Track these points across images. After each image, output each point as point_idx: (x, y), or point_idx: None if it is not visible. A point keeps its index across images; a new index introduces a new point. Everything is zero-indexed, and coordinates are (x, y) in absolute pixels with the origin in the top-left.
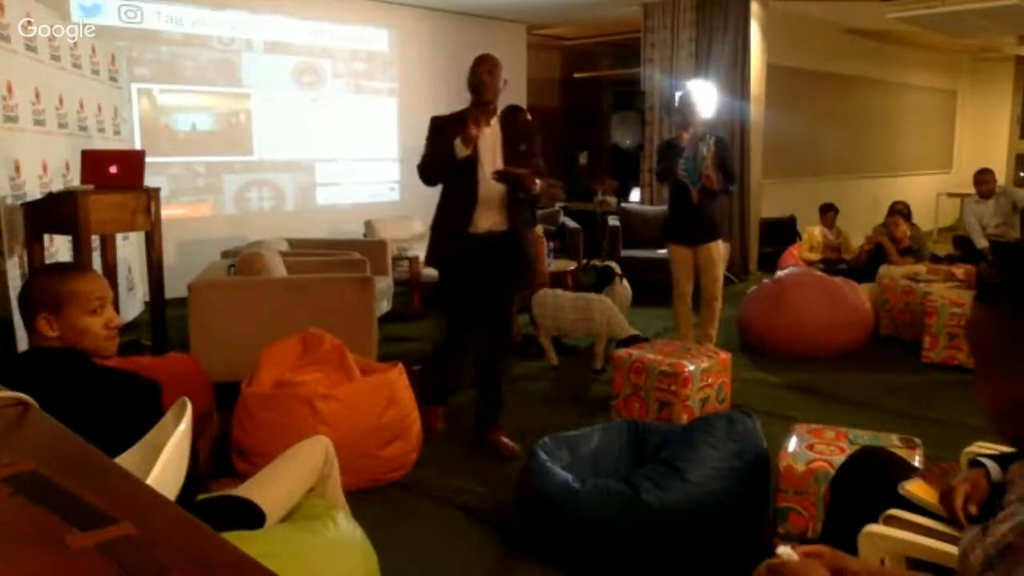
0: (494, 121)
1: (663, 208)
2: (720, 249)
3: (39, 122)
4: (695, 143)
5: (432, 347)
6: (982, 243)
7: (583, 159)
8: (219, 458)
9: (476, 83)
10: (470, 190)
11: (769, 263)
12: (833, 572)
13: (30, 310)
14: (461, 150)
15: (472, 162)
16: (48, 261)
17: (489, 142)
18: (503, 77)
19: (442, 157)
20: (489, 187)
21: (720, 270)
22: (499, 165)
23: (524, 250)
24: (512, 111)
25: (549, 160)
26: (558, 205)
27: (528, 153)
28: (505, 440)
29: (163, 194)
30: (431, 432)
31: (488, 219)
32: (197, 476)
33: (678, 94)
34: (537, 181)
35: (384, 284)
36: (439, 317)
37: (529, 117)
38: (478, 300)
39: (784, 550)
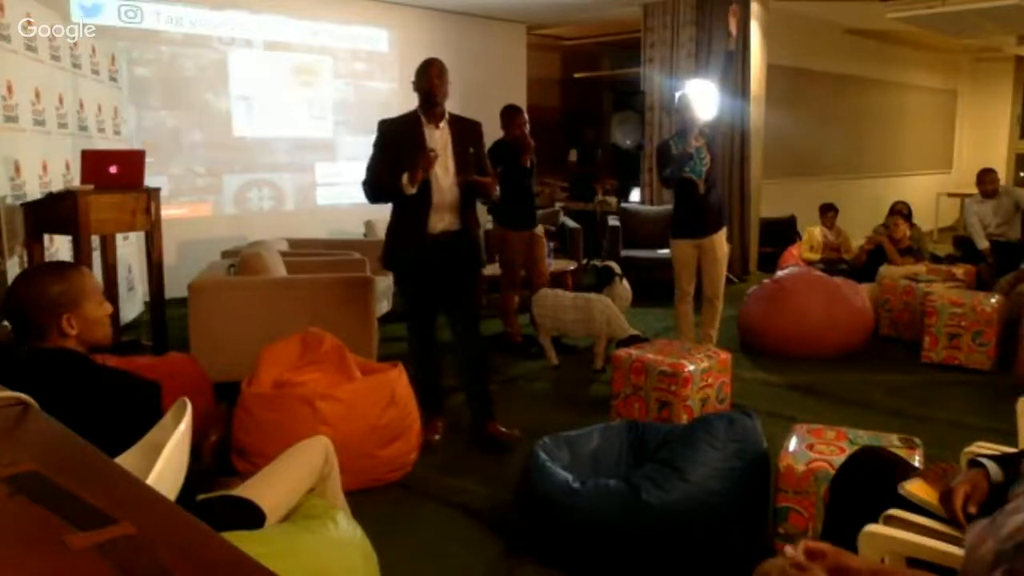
0: (443, 125)
1: (663, 208)
2: (724, 242)
3: (39, 122)
4: (693, 139)
5: (408, 358)
6: (983, 244)
7: (572, 156)
8: (220, 458)
9: (427, 88)
10: (424, 195)
11: (769, 263)
12: (836, 571)
13: (52, 313)
14: (408, 189)
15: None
16: (48, 261)
17: (440, 146)
18: (448, 80)
19: (387, 186)
20: (443, 191)
21: (722, 269)
22: (450, 168)
23: (476, 246)
24: (466, 121)
25: (547, 160)
26: (557, 205)
27: (477, 156)
28: (503, 428)
29: (163, 194)
30: (427, 443)
31: (442, 221)
32: (204, 472)
33: (677, 94)
34: (497, 188)
35: (384, 284)
36: (407, 323)
37: (479, 123)
38: (438, 299)
39: (789, 550)
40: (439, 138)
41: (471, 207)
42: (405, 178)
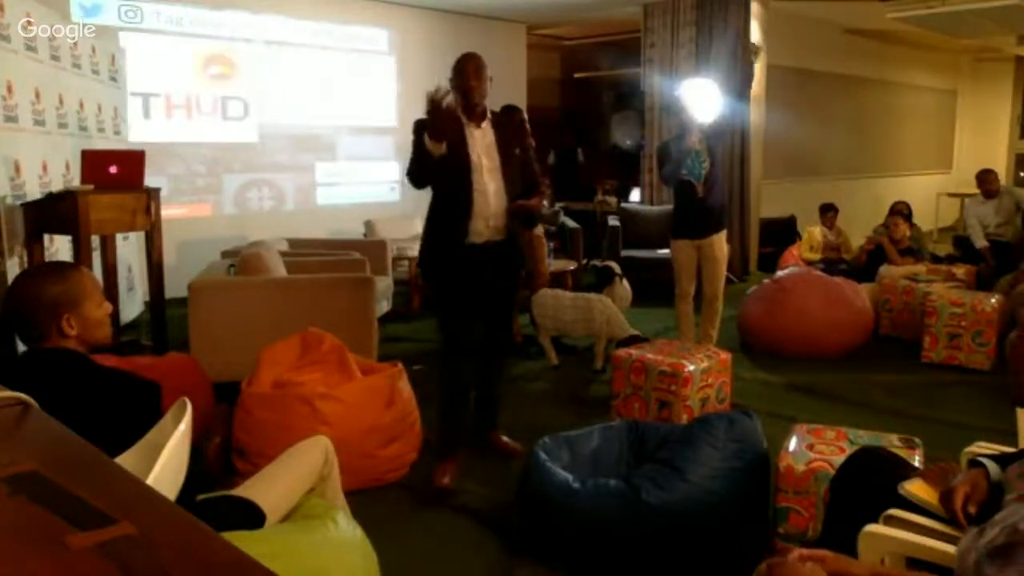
0: (486, 125)
1: (663, 208)
2: (724, 243)
3: (39, 122)
4: (693, 140)
5: (438, 383)
6: (982, 243)
7: (550, 159)
8: (221, 459)
9: (464, 87)
10: (463, 198)
11: (769, 263)
12: (836, 575)
13: (51, 313)
14: (435, 148)
15: (463, 167)
16: (48, 261)
17: (481, 146)
18: (489, 75)
19: (421, 156)
20: (487, 197)
21: (723, 269)
22: (496, 173)
23: (520, 254)
24: (507, 112)
25: (544, 161)
26: (557, 205)
27: (523, 156)
28: (506, 439)
29: (163, 194)
30: (439, 489)
31: (484, 229)
32: (208, 474)
33: (675, 94)
34: (544, 203)
35: (384, 284)
36: (444, 345)
37: (524, 117)
38: (478, 312)
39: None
40: (479, 139)
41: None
42: (428, 141)
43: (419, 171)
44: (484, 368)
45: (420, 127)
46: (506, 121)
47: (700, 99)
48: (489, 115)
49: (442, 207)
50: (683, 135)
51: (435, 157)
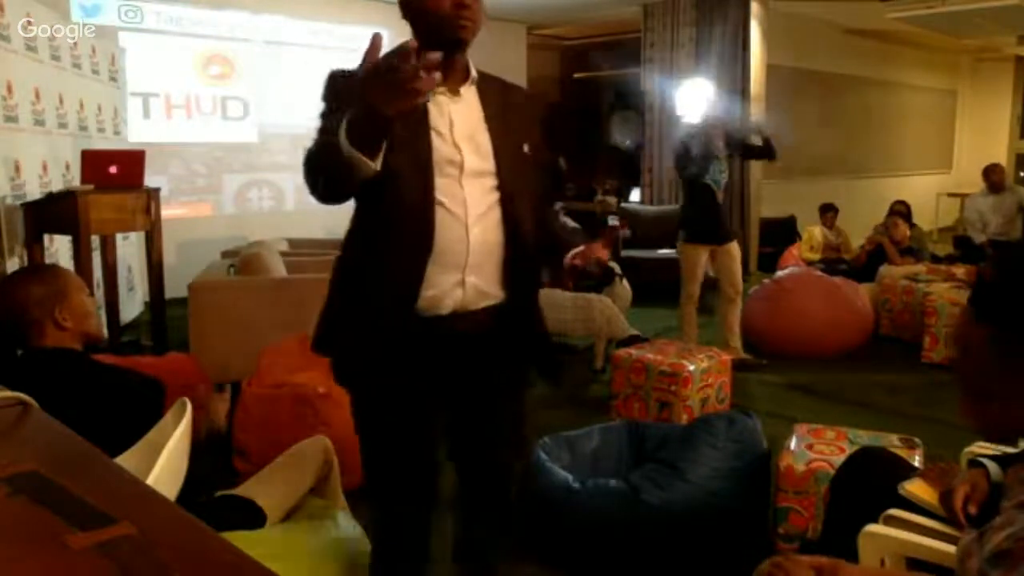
0: (468, 91)
1: (663, 208)
2: (736, 246)
3: (39, 122)
4: (719, 147)
5: (371, 554)
6: (980, 238)
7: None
8: (220, 458)
9: (432, 6)
10: (418, 224)
11: (769, 263)
12: None
13: (44, 307)
14: (364, 165)
15: (421, 164)
16: (48, 262)
17: (462, 127)
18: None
19: (333, 145)
20: (461, 220)
21: (739, 266)
22: (488, 175)
23: (540, 339)
24: (516, 89)
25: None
26: (558, 205)
27: (540, 158)
28: None
29: (163, 194)
30: None
31: (456, 288)
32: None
33: (694, 124)
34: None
35: None
36: (371, 499)
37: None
38: (443, 440)
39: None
40: (459, 116)
41: (528, 261)
42: (343, 134)
43: (328, 167)
44: (466, 532)
45: (339, 85)
46: (504, 93)
47: (720, 132)
48: (474, 74)
49: (372, 241)
50: (703, 137)
51: (362, 176)
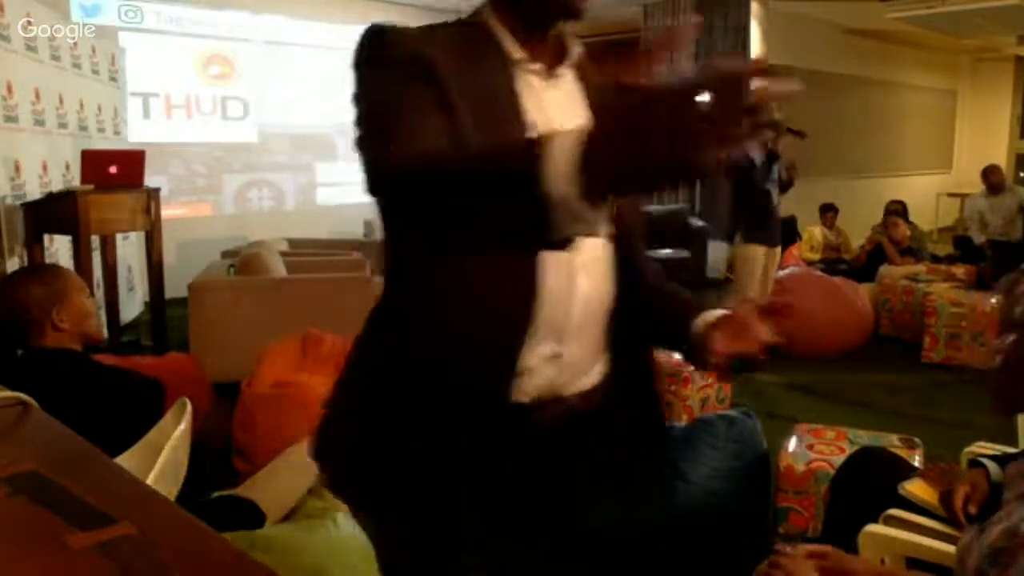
0: (566, 73)
1: (664, 208)
2: None
3: (39, 122)
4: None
5: None
6: (980, 238)
7: None
8: (219, 458)
9: None
10: (517, 271)
11: None
12: (838, 573)
13: (43, 308)
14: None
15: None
16: (48, 262)
17: (562, 123)
18: None
19: (493, 156)
20: (570, 268)
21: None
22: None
23: (656, 432)
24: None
25: None
26: None
27: None
28: None
29: (163, 194)
30: None
31: (546, 360)
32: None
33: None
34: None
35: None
36: None
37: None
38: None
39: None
40: (560, 101)
41: (640, 324)
42: (562, 158)
43: (484, 187)
44: None
45: (421, 55)
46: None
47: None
48: (579, 49)
49: (445, 303)
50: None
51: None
